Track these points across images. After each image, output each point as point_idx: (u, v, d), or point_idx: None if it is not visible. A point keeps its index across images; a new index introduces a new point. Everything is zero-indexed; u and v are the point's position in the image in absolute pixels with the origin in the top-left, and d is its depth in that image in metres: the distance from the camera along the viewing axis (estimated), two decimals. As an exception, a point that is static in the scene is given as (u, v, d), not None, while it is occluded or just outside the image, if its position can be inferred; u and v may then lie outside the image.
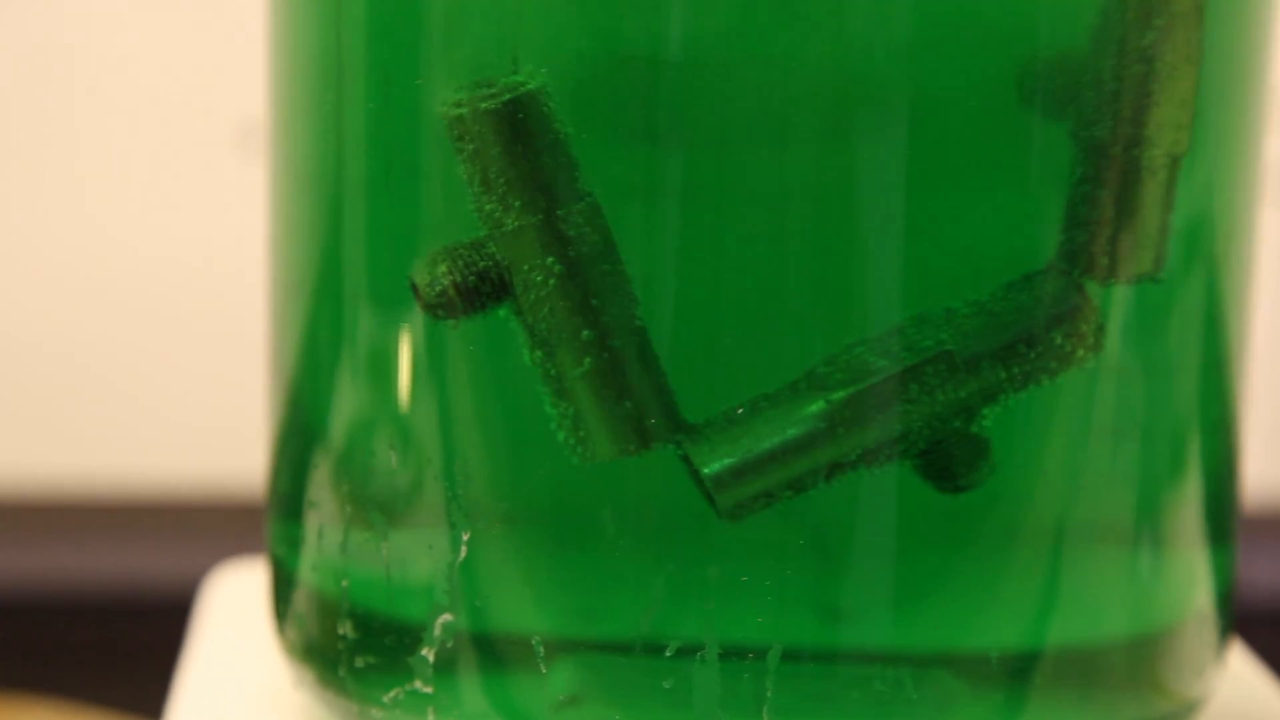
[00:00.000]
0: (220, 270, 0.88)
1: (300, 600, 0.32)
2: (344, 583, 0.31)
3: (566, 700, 0.29)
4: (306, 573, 0.32)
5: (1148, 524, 0.31)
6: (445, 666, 0.30)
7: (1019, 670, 0.30)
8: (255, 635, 0.37)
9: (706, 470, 0.28)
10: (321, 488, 0.31)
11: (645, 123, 0.28)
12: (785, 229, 0.28)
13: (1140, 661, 0.31)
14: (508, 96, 0.27)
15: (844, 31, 0.27)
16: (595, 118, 0.28)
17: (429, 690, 0.30)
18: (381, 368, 0.30)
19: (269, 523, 0.33)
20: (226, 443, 0.75)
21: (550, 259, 0.27)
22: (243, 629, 0.38)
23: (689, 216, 0.28)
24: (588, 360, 0.28)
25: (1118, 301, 0.29)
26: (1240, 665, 0.39)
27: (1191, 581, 0.32)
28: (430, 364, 0.29)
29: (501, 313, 0.28)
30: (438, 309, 0.28)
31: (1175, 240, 0.29)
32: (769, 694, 0.28)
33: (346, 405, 0.31)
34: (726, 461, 0.28)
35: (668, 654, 0.28)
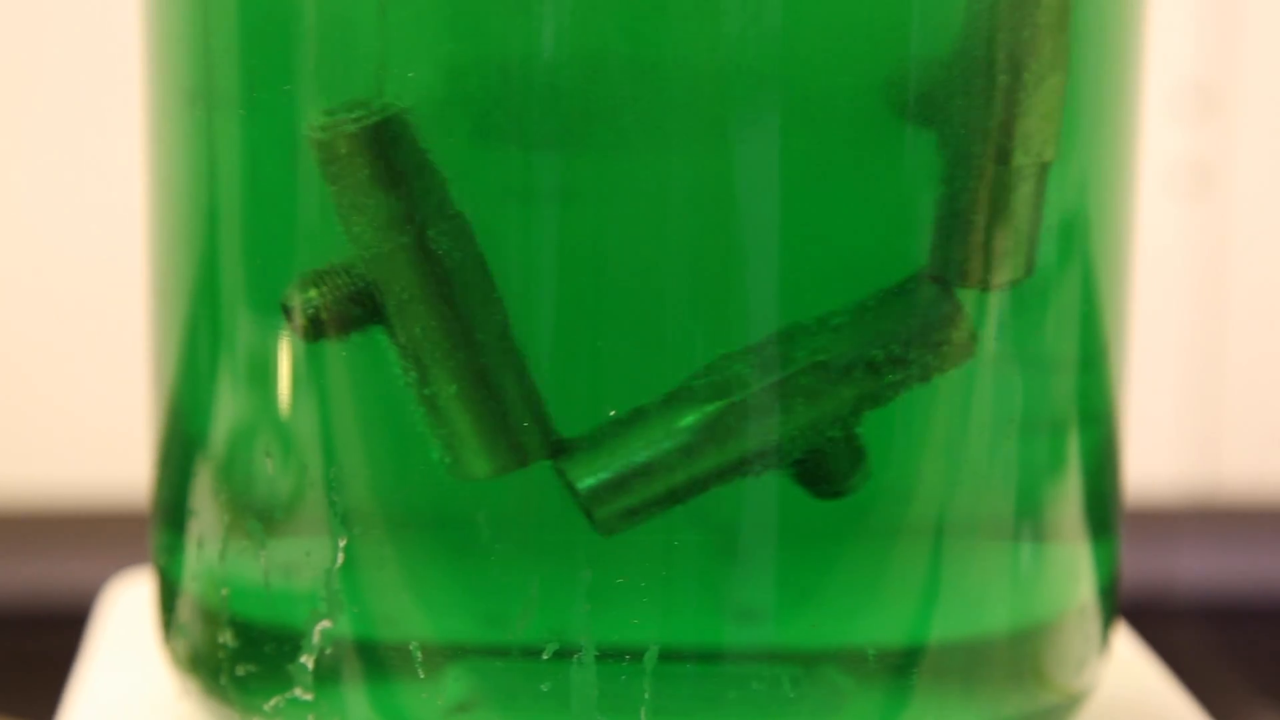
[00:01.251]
0: (118, 280, 0.88)
1: (183, 610, 0.32)
2: (224, 591, 0.31)
3: (457, 707, 0.29)
4: (188, 582, 0.32)
5: (1028, 520, 0.31)
6: (326, 674, 0.30)
7: (902, 667, 0.30)
8: (149, 645, 0.37)
9: (581, 485, 0.28)
10: (200, 496, 0.31)
11: (514, 139, 0.28)
12: (657, 242, 0.28)
13: (1024, 655, 0.31)
14: (373, 120, 0.27)
15: (717, 41, 0.27)
16: (464, 135, 0.28)
17: (309, 698, 0.30)
18: (258, 377, 0.30)
19: (152, 533, 0.33)
20: (125, 451, 0.74)
21: (420, 280, 0.27)
22: (137, 639, 0.38)
23: (560, 233, 0.28)
24: (461, 379, 0.28)
25: (993, 304, 0.29)
26: (1130, 655, 0.39)
27: (1073, 575, 0.32)
28: (306, 374, 0.29)
29: (372, 330, 0.28)
30: (310, 333, 0.28)
31: (1050, 241, 0.30)
32: (647, 695, 0.28)
33: (223, 414, 0.31)
34: (602, 476, 0.28)
35: (545, 657, 0.28)
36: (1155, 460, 1.08)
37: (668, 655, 0.28)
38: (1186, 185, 1.05)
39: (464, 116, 0.28)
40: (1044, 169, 0.28)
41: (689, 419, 0.28)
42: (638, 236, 0.28)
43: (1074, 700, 0.33)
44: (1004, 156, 0.28)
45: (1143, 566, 1.17)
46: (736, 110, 0.27)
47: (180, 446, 0.32)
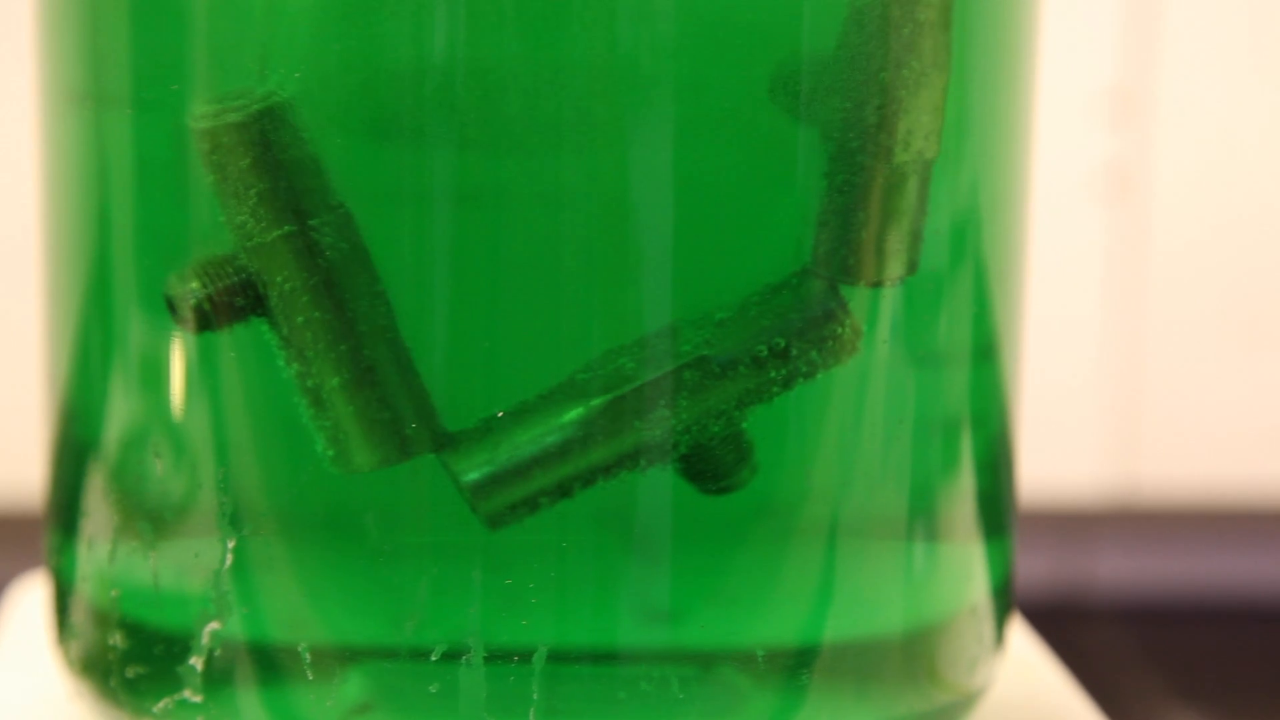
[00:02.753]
0: (13, 282, 0.87)
1: (75, 611, 0.32)
2: (114, 593, 0.31)
3: (356, 709, 0.29)
4: (80, 584, 0.31)
5: (921, 519, 0.31)
6: (216, 675, 0.29)
7: (795, 666, 0.30)
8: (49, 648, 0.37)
9: (466, 479, 0.28)
10: (91, 497, 0.31)
11: (399, 131, 0.28)
12: (544, 237, 0.28)
13: (917, 654, 0.31)
14: (255, 109, 0.27)
15: (604, 40, 0.28)
16: (347, 127, 0.28)
17: (198, 699, 0.29)
18: (145, 376, 0.30)
19: (46, 534, 0.33)
20: (27, 453, 0.74)
21: (303, 271, 0.27)
22: (40, 641, 0.38)
23: (445, 225, 0.28)
24: (344, 371, 0.28)
25: (883, 301, 0.29)
26: (1029, 654, 0.39)
27: (967, 574, 0.32)
28: (192, 372, 0.29)
29: (260, 324, 0.28)
30: (192, 324, 0.28)
31: (940, 240, 0.30)
32: (535, 696, 0.28)
33: (112, 414, 0.30)
34: (487, 470, 0.28)
35: (433, 658, 0.28)
36: (1074, 463, 1.09)
37: (557, 656, 0.28)
38: (1105, 189, 1.06)
39: (349, 110, 0.27)
40: (927, 166, 0.28)
41: (574, 413, 0.28)
42: (524, 232, 0.28)
43: (968, 699, 0.33)
44: (886, 153, 0.28)
45: (1063, 568, 1.18)
46: (622, 108, 0.27)
47: (71, 447, 0.32)
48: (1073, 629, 1.15)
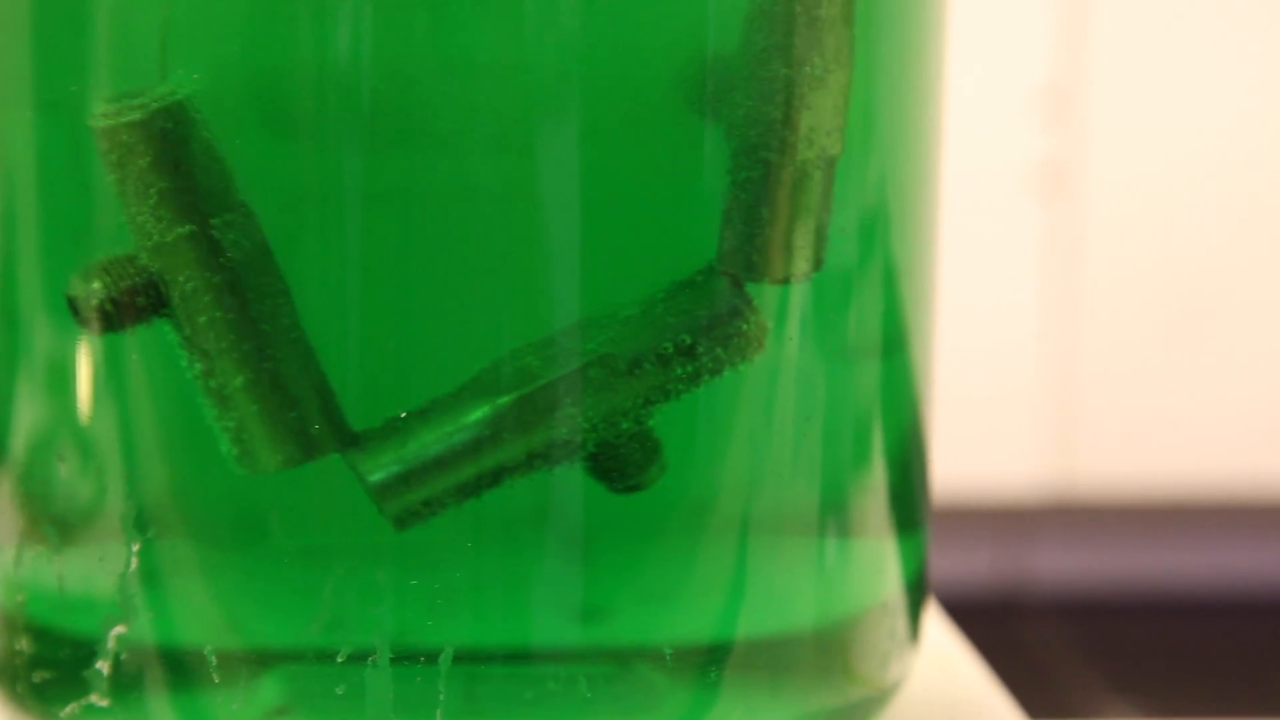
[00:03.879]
0: None
1: (-18, 615, 0.31)
2: (20, 597, 0.30)
3: (272, 711, 0.29)
4: (-14, 587, 0.31)
5: (831, 516, 0.31)
6: (124, 680, 0.29)
7: (706, 664, 0.30)
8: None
9: (372, 479, 0.28)
10: (-3, 500, 0.31)
11: (302, 129, 0.27)
12: (447, 235, 0.28)
13: (830, 650, 0.31)
14: (155, 107, 0.27)
15: (506, 35, 0.27)
16: (250, 125, 0.27)
17: (105, 704, 0.29)
18: (49, 378, 0.30)
19: (-47, 537, 0.33)
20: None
21: (205, 270, 0.27)
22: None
23: (350, 224, 0.28)
24: (247, 371, 0.27)
25: (790, 298, 0.29)
26: (947, 649, 0.39)
27: (879, 570, 0.32)
28: (96, 374, 0.29)
29: (163, 324, 0.28)
30: (95, 324, 0.28)
31: (848, 237, 0.30)
32: (442, 696, 0.28)
33: (15, 417, 0.30)
34: (393, 470, 0.28)
35: (339, 660, 0.28)
36: (1012, 459, 1.09)
37: (464, 656, 0.28)
38: (1041, 187, 1.06)
39: (251, 108, 0.27)
40: (831, 163, 0.28)
41: (480, 412, 0.28)
42: (429, 231, 0.28)
43: (883, 693, 0.33)
44: (789, 150, 0.28)
45: (1002, 564, 1.19)
46: (527, 106, 0.27)
47: (-23, 448, 0.32)
48: (1012, 624, 1.15)
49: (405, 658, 0.28)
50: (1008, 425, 1.09)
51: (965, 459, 1.09)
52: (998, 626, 1.15)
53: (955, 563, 1.16)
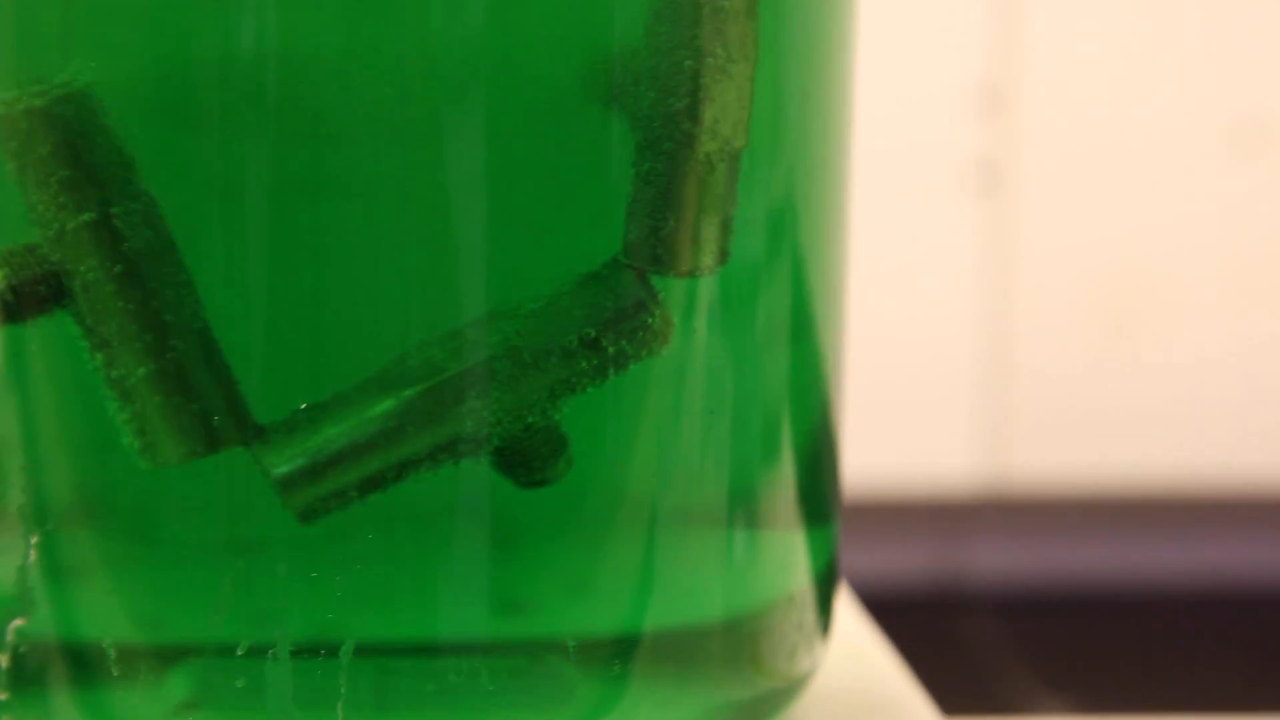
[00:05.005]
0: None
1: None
2: (-78, 589, 0.30)
3: (182, 706, 0.29)
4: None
5: (739, 509, 0.31)
6: (23, 674, 0.29)
7: (612, 656, 0.30)
8: None
9: (276, 472, 0.28)
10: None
11: (204, 119, 0.27)
12: (352, 227, 0.28)
13: (739, 642, 0.31)
14: (55, 94, 0.27)
15: (411, 26, 0.27)
16: (152, 114, 0.27)
17: (4, 697, 0.29)
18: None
19: None
20: None
21: (106, 260, 0.27)
22: None
23: (254, 214, 0.28)
24: (150, 362, 0.27)
25: (697, 291, 0.29)
26: (862, 642, 0.39)
27: (788, 562, 0.32)
28: (-1, 364, 0.29)
29: (64, 315, 0.28)
30: (-7, 313, 0.28)
31: (756, 230, 0.30)
32: (343, 690, 0.28)
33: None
34: (297, 463, 0.28)
35: (240, 653, 0.28)
36: (946, 454, 1.09)
37: (366, 650, 0.28)
38: (976, 182, 1.06)
39: (153, 97, 0.27)
40: (736, 156, 0.28)
41: (385, 405, 0.28)
42: (334, 222, 0.28)
43: (792, 685, 0.33)
44: (693, 143, 0.28)
45: (937, 559, 1.19)
46: (432, 97, 0.27)
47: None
48: (949, 619, 1.16)
49: (306, 651, 0.28)
50: (942, 419, 1.10)
51: (900, 455, 1.09)
52: (934, 622, 1.15)
53: (891, 558, 1.17)
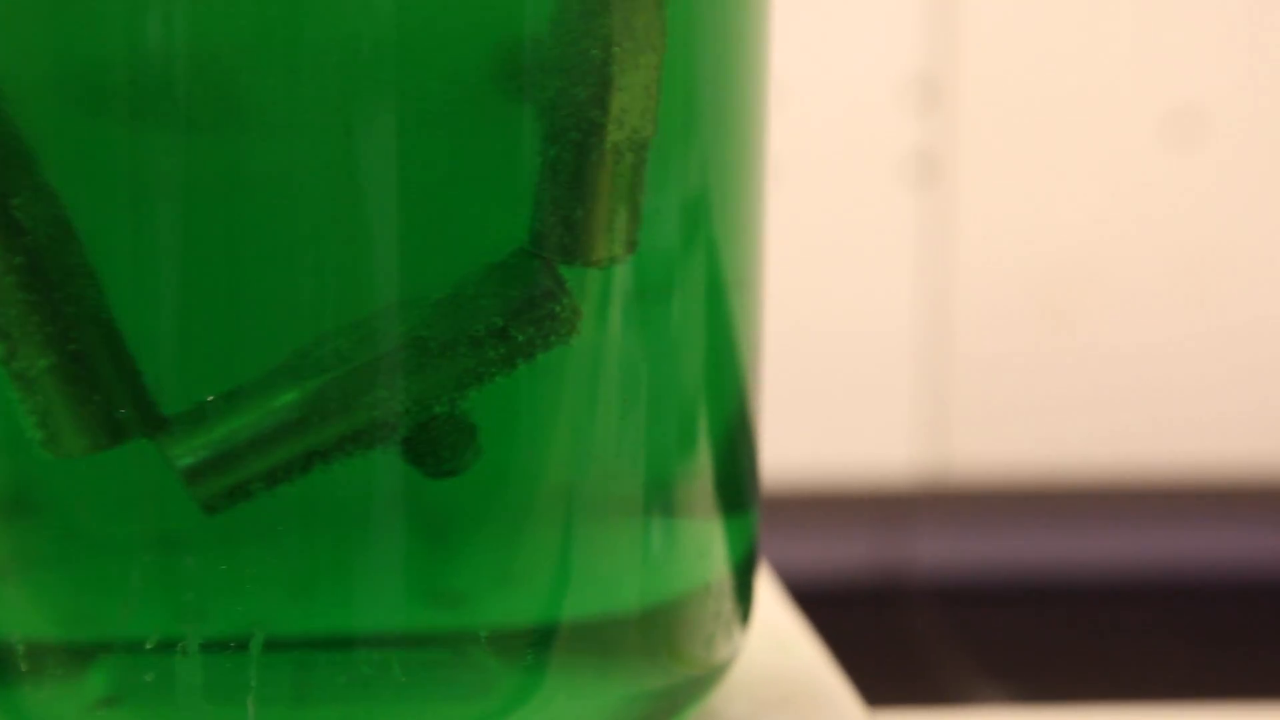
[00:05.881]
0: None
1: None
2: None
3: (100, 701, 0.28)
4: None
5: (655, 498, 0.31)
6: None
7: (528, 646, 0.30)
8: None
9: (181, 463, 0.28)
10: None
11: (103, 109, 0.27)
12: (257, 217, 0.27)
13: (656, 631, 0.31)
14: None
15: (319, 14, 0.27)
16: (51, 104, 0.27)
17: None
18: None
19: None
20: None
21: (6, 251, 0.27)
22: None
23: (157, 205, 0.27)
24: (52, 354, 0.27)
25: (610, 281, 0.29)
26: (787, 630, 0.39)
27: (704, 552, 0.32)
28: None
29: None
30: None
31: (667, 219, 0.30)
32: (253, 684, 0.28)
33: None
34: (202, 454, 0.28)
35: (149, 648, 0.28)
36: (888, 445, 1.10)
37: (276, 643, 0.28)
38: (915, 174, 1.07)
39: (52, 87, 0.27)
40: (644, 145, 0.28)
41: (291, 396, 0.28)
42: (238, 213, 0.27)
43: (711, 674, 0.33)
44: (601, 132, 0.28)
45: (879, 549, 1.19)
46: (340, 87, 0.27)
47: None
48: (891, 609, 1.16)
49: (216, 645, 0.28)
50: (884, 412, 1.10)
51: (841, 446, 1.09)
52: (876, 612, 1.15)
53: (833, 549, 1.17)
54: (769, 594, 0.41)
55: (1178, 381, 1.11)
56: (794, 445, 1.08)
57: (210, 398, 0.28)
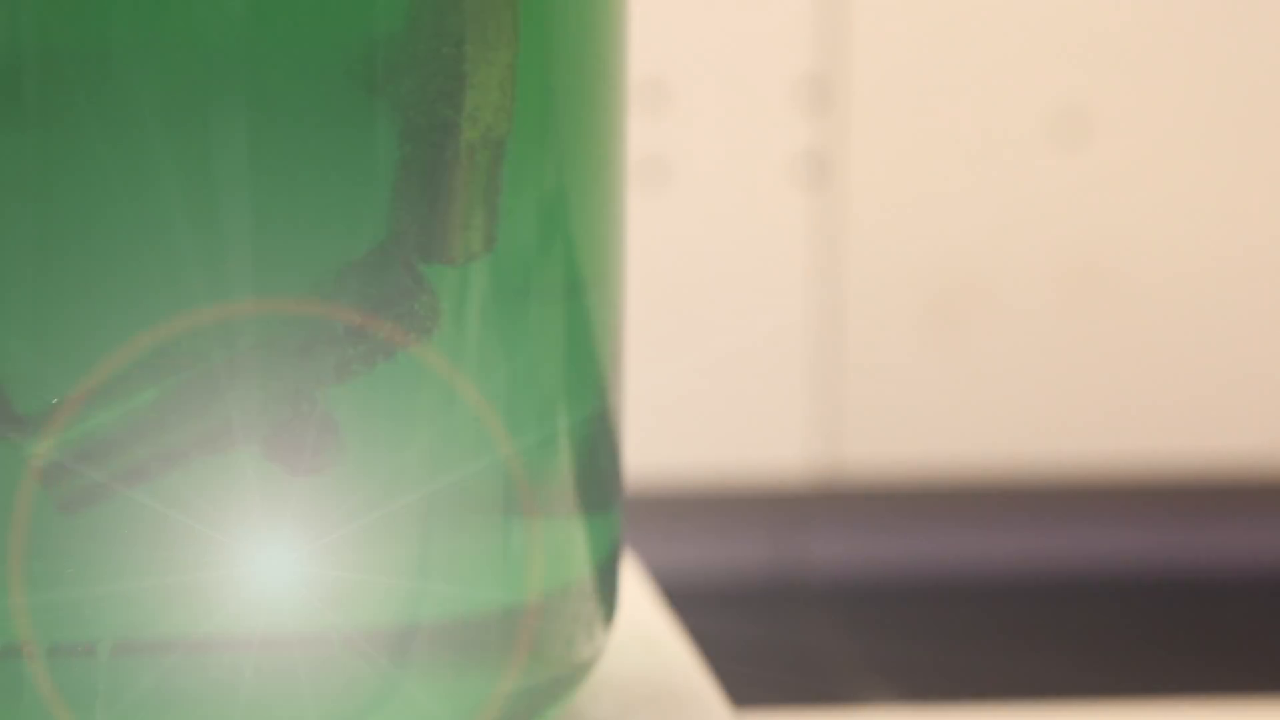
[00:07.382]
0: None
1: None
2: None
3: None
4: None
5: (515, 498, 0.31)
6: None
7: (388, 647, 0.30)
8: None
9: (39, 463, 0.27)
10: None
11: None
12: (113, 214, 0.27)
13: (517, 631, 0.31)
14: None
15: (173, 10, 0.27)
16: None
17: None
18: None
19: None
20: None
21: None
22: None
23: (12, 204, 0.27)
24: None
25: (469, 279, 0.29)
26: (657, 631, 0.40)
27: (566, 551, 0.32)
28: None
29: None
30: None
31: (525, 218, 0.30)
32: (101, 689, 0.28)
33: None
34: (58, 454, 0.27)
35: None
36: (781, 446, 1.10)
37: (128, 646, 0.28)
38: (805, 175, 1.07)
39: None
40: (499, 144, 0.28)
41: (149, 395, 0.28)
42: (94, 209, 0.27)
43: (573, 674, 0.33)
44: (453, 130, 0.28)
45: (773, 549, 1.20)
46: (194, 84, 0.27)
47: None
48: (786, 609, 1.17)
49: (63, 650, 0.28)
50: (777, 413, 1.10)
51: (735, 447, 1.10)
52: (771, 612, 1.16)
53: (728, 550, 1.17)
54: (638, 593, 0.42)
55: (1066, 382, 1.12)
56: (687, 447, 1.08)
57: (67, 396, 0.27)
